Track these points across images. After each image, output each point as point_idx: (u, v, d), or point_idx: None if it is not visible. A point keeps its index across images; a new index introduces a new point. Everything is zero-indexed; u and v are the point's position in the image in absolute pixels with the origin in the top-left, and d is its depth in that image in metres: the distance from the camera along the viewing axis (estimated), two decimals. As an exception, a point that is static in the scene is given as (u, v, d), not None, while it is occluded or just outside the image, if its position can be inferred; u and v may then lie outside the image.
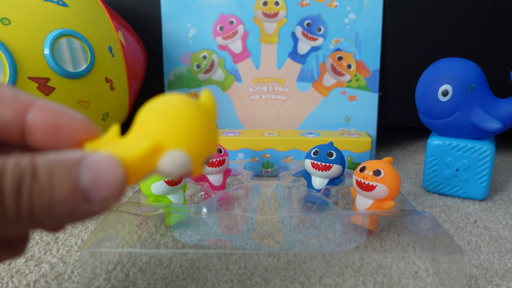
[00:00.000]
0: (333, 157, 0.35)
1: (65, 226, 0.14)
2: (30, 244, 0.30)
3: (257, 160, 0.47)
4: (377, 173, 0.30)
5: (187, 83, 0.53)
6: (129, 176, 0.13)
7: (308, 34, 0.51)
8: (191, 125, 0.14)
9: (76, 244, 0.30)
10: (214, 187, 0.37)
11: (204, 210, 0.31)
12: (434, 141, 0.40)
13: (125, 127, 0.61)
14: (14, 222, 0.11)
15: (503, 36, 0.50)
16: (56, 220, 0.12)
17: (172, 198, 0.33)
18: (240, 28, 0.51)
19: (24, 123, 0.14)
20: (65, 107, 0.15)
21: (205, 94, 0.16)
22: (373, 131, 0.52)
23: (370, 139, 0.48)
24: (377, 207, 0.31)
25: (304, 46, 0.51)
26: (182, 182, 0.33)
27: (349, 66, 0.51)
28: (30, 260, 0.28)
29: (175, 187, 0.32)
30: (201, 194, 0.35)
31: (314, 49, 0.51)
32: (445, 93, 0.37)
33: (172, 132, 0.14)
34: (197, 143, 0.14)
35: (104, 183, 0.12)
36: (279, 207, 0.36)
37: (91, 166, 0.12)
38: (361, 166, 0.32)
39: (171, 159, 0.14)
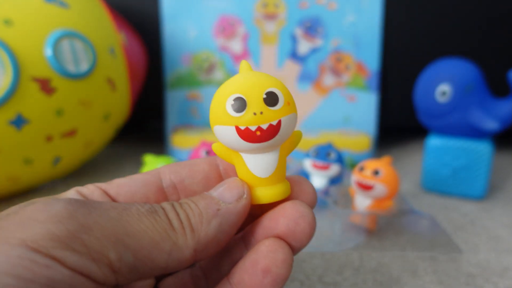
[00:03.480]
0: (332, 157, 0.35)
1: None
2: None
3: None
4: (376, 172, 0.30)
5: (188, 84, 0.53)
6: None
7: (308, 35, 0.51)
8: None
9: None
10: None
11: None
12: (433, 141, 0.40)
13: (125, 127, 0.61)
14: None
15: (503, 36, 0.50)
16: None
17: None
18: (241, 29, 0.52)
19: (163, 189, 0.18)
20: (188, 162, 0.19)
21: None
22: (373, 131, 0.52)
23: (369, 139, 0.48)
24: (376, 206, 0.31)
25: (304, 47, 0.52)
26: None
27: (348, 67, 0.51)
28: None
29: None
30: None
31: (314, 50, 0.52)
32: (443, 93, 0.37)
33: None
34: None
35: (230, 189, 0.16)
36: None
37: (217, 189, 0.16)
38: (360, 165, 0.32)
39: (293, 118, 0.16)
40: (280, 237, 0.16)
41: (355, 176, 0.32)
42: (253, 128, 0.15)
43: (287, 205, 0.16)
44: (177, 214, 0.15)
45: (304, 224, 0.15)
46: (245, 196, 0.16)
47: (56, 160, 0.38)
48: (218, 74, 0.53)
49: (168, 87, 0.54)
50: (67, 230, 0.12)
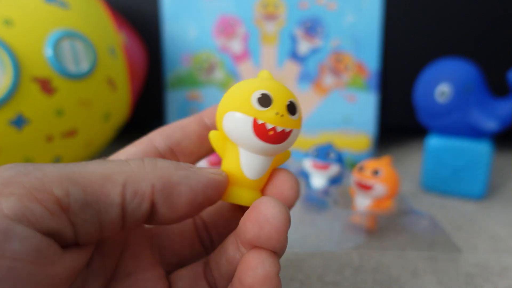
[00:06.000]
0: (332, 157, 0.35)
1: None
2: None
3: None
4: (375, 172, 0.31)
5: (188, 84, 0.54)
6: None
7: (308, 35, 0.51)
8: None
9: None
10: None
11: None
12: (433, 141, 0.40)
13: (125, 127, 0.61)
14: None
15: (503, 36, 0.50)
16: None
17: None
18: (241, 29, 0.52)
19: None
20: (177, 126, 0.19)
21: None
22: (372, 131, 0.52)
23: (369, 139, 0.48)
24: (376, 206, 0.31)
25: (303, 47, 0.52)
26: None
27: (348, 67, 0.51)
28: None
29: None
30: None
31: (314, 50, 0.52)
32: (443, 93, 0.37)
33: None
34: None
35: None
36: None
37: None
38: (359, 165, 0.32)
39: (298, 134, 0.16)
40: (251, 243, 0.14)
41: (355, 176, 0.32)
42: (269, 126, 0.15)
43: (254, 204, 0.15)
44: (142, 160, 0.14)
45: (269, 227, 0.14)
46: (223, 174, 0.16)
47: (57, 160, 0.38)
48: (218, 74, 0.53)
49: (168, 87, 0.54)
50: (1, 177, 0.11)
